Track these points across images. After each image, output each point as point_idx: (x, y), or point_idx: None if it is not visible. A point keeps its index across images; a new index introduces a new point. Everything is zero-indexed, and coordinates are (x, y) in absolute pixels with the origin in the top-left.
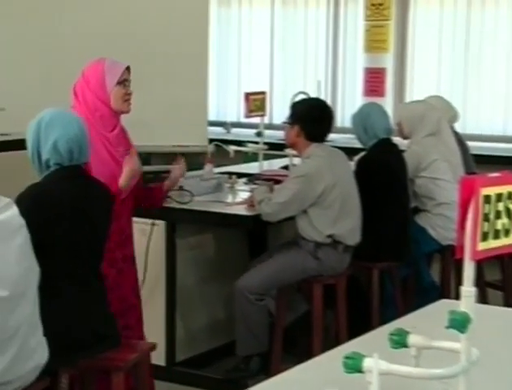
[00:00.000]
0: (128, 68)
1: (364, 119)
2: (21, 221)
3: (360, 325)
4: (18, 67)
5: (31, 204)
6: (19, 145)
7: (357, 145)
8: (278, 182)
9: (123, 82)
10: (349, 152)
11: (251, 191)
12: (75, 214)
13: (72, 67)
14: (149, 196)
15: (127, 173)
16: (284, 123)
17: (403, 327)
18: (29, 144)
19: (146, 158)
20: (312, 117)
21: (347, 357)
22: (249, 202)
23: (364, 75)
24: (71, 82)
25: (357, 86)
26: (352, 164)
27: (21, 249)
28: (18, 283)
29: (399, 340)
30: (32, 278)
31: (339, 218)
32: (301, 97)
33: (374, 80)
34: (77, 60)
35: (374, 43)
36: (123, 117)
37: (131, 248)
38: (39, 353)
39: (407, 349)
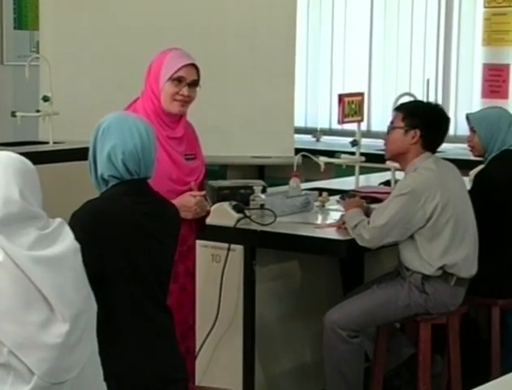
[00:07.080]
0: (194, 66)
1: (496, 123)
2: (75, 245)
3: (477, 374)
4: (77, 67)
5: (87, 223)
6: (75, 154)
7: (474, 157)
8: (377, 200)
9: (178, 79)
10: (463, 165)
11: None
12: (138, 236)
13: (141, 67)
14: None
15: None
16: (392, 127)
17: None
18: (89, 154)
19: (222, 170)
20: (436, 122)
21: None
22: (341, 224)
23: (483, 73)
24: (138, 86)
25: (475, 86)
26: (466, 180)
27: (78, 276)
28: (78, 314)
29: None
30: (92, 310)
31: (451, 246)
32: (406, 99)
33: (495, 79)
34: (146, 59)
35: (495, 34)
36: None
37: (193, 261)
38: None
39: None
